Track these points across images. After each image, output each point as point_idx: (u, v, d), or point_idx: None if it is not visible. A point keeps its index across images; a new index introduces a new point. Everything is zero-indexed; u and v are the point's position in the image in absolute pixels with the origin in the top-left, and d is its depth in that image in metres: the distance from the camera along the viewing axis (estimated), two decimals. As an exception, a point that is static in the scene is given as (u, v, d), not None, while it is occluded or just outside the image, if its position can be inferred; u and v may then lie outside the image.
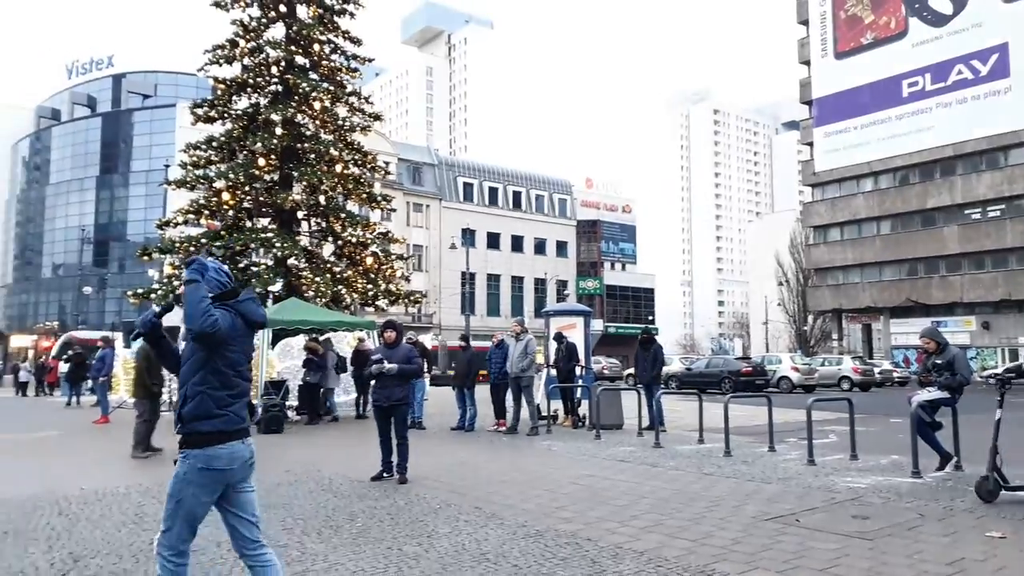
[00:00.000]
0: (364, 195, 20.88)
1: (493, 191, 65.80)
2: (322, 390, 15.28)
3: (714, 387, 26.03)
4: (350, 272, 20.27)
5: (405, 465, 7.95)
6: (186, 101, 52.50)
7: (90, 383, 21.81)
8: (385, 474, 8.04)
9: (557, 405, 13.84)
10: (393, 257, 21.05)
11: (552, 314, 17.30)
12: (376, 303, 20.34)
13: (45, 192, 71.12)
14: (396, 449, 8.03)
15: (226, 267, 3.67)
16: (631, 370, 36.58)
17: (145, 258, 20.33)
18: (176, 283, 18.83)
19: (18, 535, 5.63)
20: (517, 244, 66.36)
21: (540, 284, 66.01)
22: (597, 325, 58.99)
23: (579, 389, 13.79)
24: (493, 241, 64.42)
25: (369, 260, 20.22)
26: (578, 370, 13.77)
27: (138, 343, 19.29)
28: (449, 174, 63.73)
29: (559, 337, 13.81)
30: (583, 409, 13.66)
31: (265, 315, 3.77)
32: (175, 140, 53.95)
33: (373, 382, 8.40)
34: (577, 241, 70.67)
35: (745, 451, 10.00)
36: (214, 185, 18.90)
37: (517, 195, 67.34)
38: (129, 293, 20.04)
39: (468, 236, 51.07)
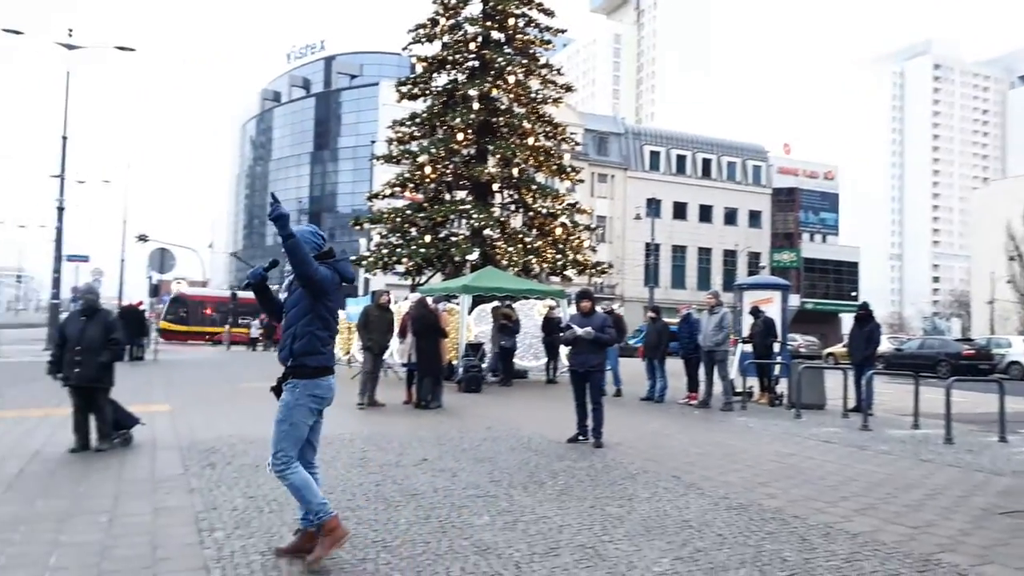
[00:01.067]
0: (554, 167, 21.21)
1: (681, 159, 63.93)
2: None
3: (928, 370, 23.79)
4: (540, 242, 20.75)
5: (600, 430, 8.13)
6: (389, 80, 55.79)
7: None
8: (580, 437, 8.27)
9: (752, 382, 13.39)
10: (580, 228, 21.25)
11: (746, 287, 16.71)
12: (564, 273, 20.70)
13: (268, 168, 79.07)
14: (591, 414, 8.23)
15: (321, 231, 4.25)
16: (831, 348, 34.52)
17: (357, 228, 22.09)
18: (384, 251, 20.34)
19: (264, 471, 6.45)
20: (705, 214, 64.12)
21: (729, 256, 63.50)
22: (793, 300, 55.84)
23: (777, 366, 13.24)
24: (679, 211, 62.73)
25: (558, 231, 20.58)
26: (776, 346, 13.22)
27: (358, 305, 21.01)
28: (635, 143, 62.74)
29: (755, 311, 13.31)
30: (781, 387, 13.11)
31: (354, 274, 4.22)
32: (378, 117, 57.61)
33: (568, 348, 8.62)
34: (772, 210, 66.97)
35: (969, 440, 9.15)
36: (417, 159, 20.04)
37: (707, 163, 64.94)
38: (343, 260, 21.88)
39: (653, 206, 50.17)
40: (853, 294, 65.77)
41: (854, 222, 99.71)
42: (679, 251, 63.12)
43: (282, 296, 4.37)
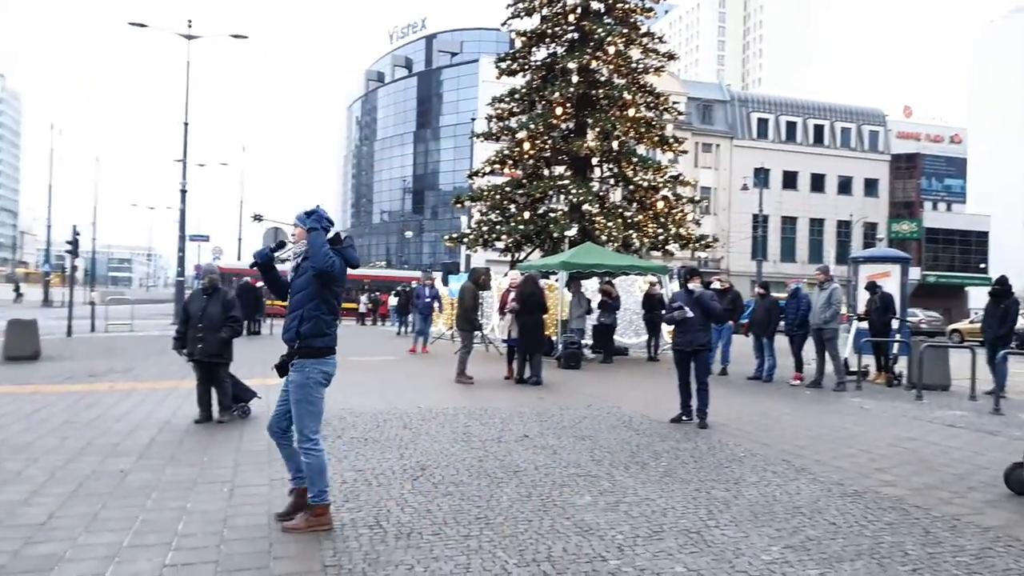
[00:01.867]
0: (656, 138, 20.71)
1: (791, 126, 61.11)
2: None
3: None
4: (640, 216, 20.38)
5: (705, 410, 7.94)
6: (488, 56, 55.95)
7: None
8: (684, 417, 8.11)
9: (868, 361, 12.71)
10: (684, 200, 20.71)
11: (862, 261, 15.91)
12: (666, 247, 20.26)
13: (374, 148, 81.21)
14: (696, 394, 8.04)
15: (327, 215, 4.34)
16: (956, 325, 32.35)
17: (458, 205, 22.37)
18: (484, 228, 20.52)
19: (375, 442, 6.66)
20: (817, 183, 61.18)
21: (843, 227, 60.43)
22: (913, 274, 52.65)
23: (895, 344, 12.50)
24: (789, 180, 60.13)
25: (660, 204, 20.14)
26: (894, 323, 12.49)
27: (459, 282, 21.34)
28: (742, 110, 60.42)
29: (872, 287, 12.59)
30: (900, 366, 12.39)
31: (359, 260, 4.47)
32: (478, 95, 57.99)
33: (673, 327, 8.44)
34: (891, 178, 63.16)
35: (1119, 427, 8.36)
36: (516, 135, 20.03)
37: (819, 129, 61.81)
38: (446, 237, 22.26)
39: (761, 176, 48.27)
40: (982, 266, 61.30)
41: (986, 189, 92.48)
42: (789, 223, 60.63)
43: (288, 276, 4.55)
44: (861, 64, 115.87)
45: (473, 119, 39.12)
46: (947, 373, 11.64)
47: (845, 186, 62.20)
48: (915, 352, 11.34)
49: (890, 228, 61.42)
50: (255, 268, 4.42)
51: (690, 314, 7.97)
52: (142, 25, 28.26)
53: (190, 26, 28.15)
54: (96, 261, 70.96)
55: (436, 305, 17.17)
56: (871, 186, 62.88)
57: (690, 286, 8.21)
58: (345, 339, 21.74)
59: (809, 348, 12.09)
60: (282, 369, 4.28)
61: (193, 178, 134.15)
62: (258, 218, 44.32)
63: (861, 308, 12.97)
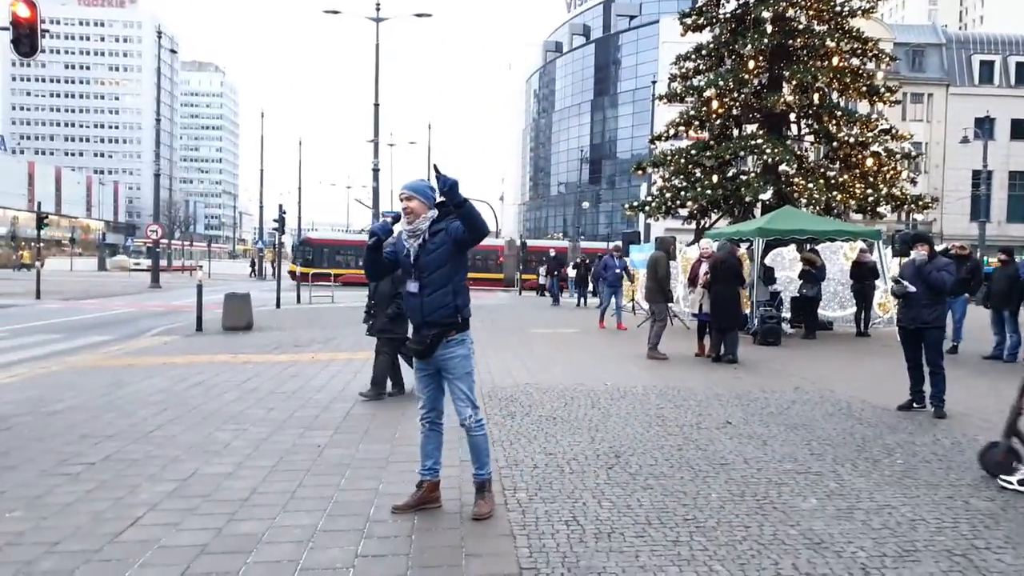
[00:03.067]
0: (863, 88, 18.56)
1: (1021, 67, 53.28)
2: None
3: None
4: (846, 176, 18.42)
5: (942, 397, 6.83)
6: (669, 15, 53.66)
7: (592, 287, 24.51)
8: (915, 404, 7.03)
9: None
10: (898, 157, 18.45)
11: None
12: (876, 210, 18.19)
13: (552, 119, 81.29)
14: (929, 378, 6.93)
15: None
16: None
17: (639, 172, 21.50)
18: (667, 195, 19.56)
19: (564, 422, 6.32)
20: (1055, 131, 53.02)
21: (1089, 181, 52.09)
22: None
23: None
24: (1019, 130, 52.59)
25: (869, 161, 18.04)
26: None
27: (641, 252, 20.53)
28: (961, 53, 53.51)
29: None
30: None
31: None
32: (658, 57, 55.96)
33: (899, 301, 7.33)
34: None
35: None
36: (703, 94, 18.79)
37: (1058, 69, 53.38)
38: (625, 206, 21.53)
39: (986, 126, 42.56)
40: None
41: None
42: (1018, 178, 53.23)
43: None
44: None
45: (654, 81, 37.57)
46: None
47: (1089, 133, 53.40)
48: None
49: None
50: (372, 243, 4.02)
51: (911, 288, 6.87)
52: (335, 12, 29.84)
53: (378, 9, 29.30)
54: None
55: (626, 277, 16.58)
56: (1123, 131, 53.49)
57: (912, 254, 7.05)
58: (524, 310, 21.87)
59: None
60: (430, 351, 4.01)
61: (384, 157, 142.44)
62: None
63: None
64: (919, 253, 7.00)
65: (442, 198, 3.87)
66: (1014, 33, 57.15)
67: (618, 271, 16.16)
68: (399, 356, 7.60)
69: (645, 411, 6.87)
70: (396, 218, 4.08)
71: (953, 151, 49.49)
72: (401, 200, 4.02)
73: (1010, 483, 4.58)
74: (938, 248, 9.16)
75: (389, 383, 7.58)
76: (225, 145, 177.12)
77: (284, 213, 25.01)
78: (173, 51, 78.93)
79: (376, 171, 29.83)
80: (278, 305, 20.24)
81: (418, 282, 3.98)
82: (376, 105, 30.00)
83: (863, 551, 3.54)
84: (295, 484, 4.56)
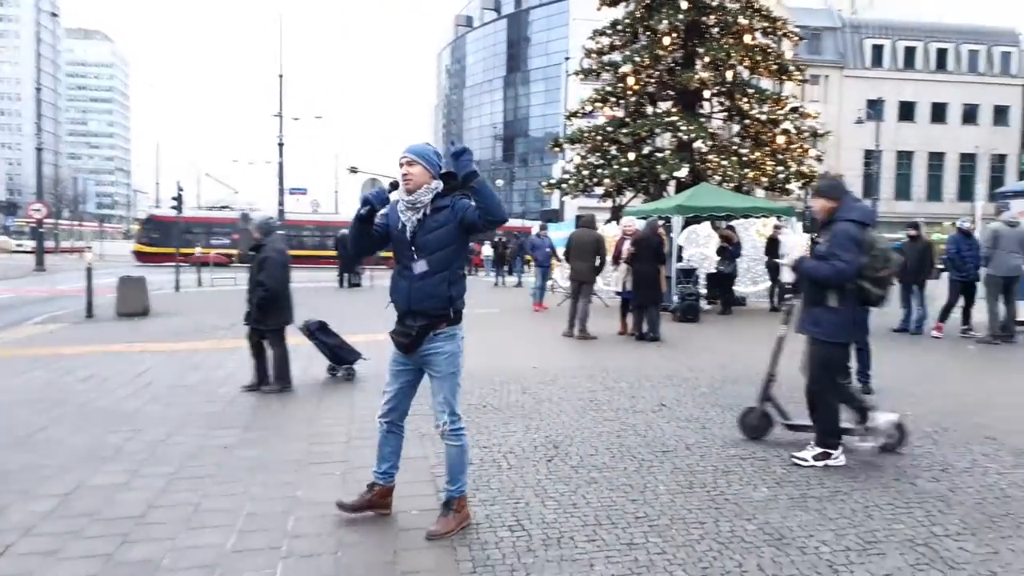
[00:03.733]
0: (774, 67, 18.90)
1: (909, 52, 56.12)
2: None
3: None
4: (757, 153, 18.77)
5: (868, 373, 6.86)
6: (578, -8, 53.59)
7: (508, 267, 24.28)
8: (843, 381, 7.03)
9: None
10: (807, 134, 18.92)
11: (1011, 195, 14.08)
12: (786, 187, 18.63)
13: (463, 95, 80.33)
14: (855, 354, 6.93)
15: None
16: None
17: (556, 149, 21.28)
18: (584, 172, 19.42)
19: (496, 411, 5.97)
20: (938, 113, 56.23)
21: (967, 161, 55.66)
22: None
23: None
24: (906, 112, 55.53)
25: (780, 139, 18.43)
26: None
27: (559, 231, 20.26)
28: (854, 37, 55.88)
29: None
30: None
31: None
32: (568, 34, 55.95)
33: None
34: (1024, 105, 57.39)
35: None
36: (619, 70, 18.68)
37: (941, 53, 56.50)
38: (543, 184, 21.29)
39: (876, 108, 44.71)
40: None
41: None
42: (904, 158, 56.30)
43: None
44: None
45: (567, 58, 37.42)
46: None
47: (970, 115, 56.97)
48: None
49: (1022, 160, 56.11)
50: (366, 214, 3.51)
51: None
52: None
53: (280, -24, 27.82)
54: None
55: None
56: (1001, 114, 57.34)
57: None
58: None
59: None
60: (416, 344, 3.50)
61: (289, 132, 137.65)
62: (353, 170, 44.60)
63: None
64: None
65: (449, 169, 3.36)
66: (902, 19, 60.14)
67: (548, 250, 15.88)
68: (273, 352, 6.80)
69: (578, 395, 6.60)
70: (394, 186, 3.55)
71: (846, 132, 51.68)
72: (401, 165, 3.47)
73: (805, 460, 4.56)
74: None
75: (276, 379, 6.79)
76: (116, 119, 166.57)
77: (182, 190, 23.51)
78: (54, 15, 73.31)
79: (281, 145, 28.56)
80: (177, 288, 19.01)
81: (421, 261, 3.45)
82: (280, 76, 28.63)
83: (826, 545, 3.35)
84: (199, 495, 4.03)
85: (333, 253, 27.00)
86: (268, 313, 6.66)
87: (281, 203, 29.19)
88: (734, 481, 4.24)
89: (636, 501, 3.91)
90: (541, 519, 3.66)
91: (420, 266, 3.46)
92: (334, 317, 8.23)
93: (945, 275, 11.03)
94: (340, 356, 7.29)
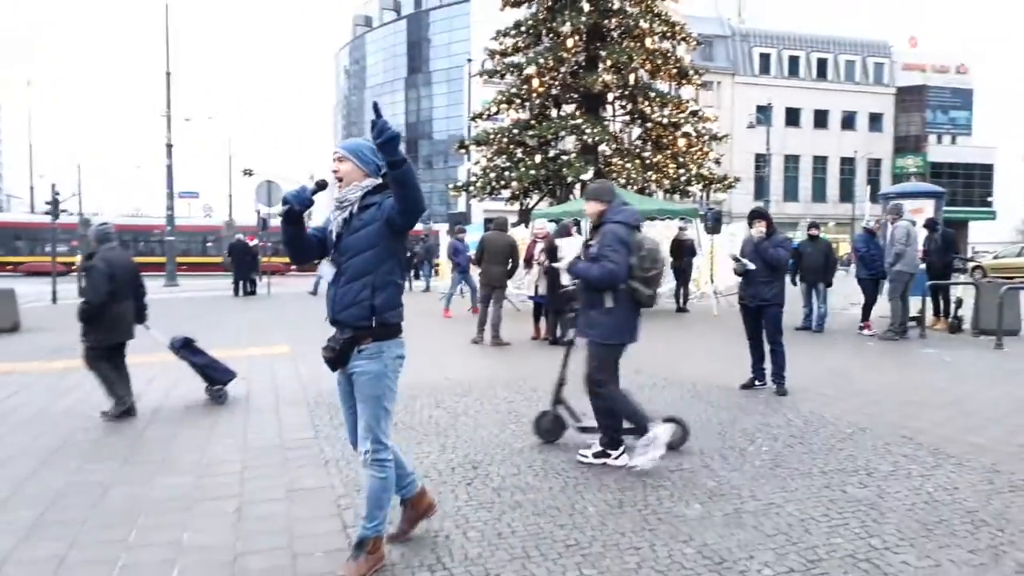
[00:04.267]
0: (673, 70, 19.24)
1: (794, 60, 59.17)
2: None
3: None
4: (659, 156, 19.05)
5: (783, 375, 6.86)
6: (480, -6, 53.35)
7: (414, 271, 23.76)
8: (756, 382, 7.04)
9: (915, 304, 11.61)
10: (707, 137, 19.36)
11: (892, 197, 14.86)
12: (688, 188, 18.99)
13: (363, 96, 78.67)
14: (769, 355, 6.94)
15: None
16: (980, 261, 31.22)
17: (462, 151, 20.96)
18: (491, 175, 19.18)
19: (408, 428, 5.57)
20: (820, 119, 59.60)
21: (847, 164, 59.13)
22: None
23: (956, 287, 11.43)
24: (792, 117, 58.53)
25: (681, 142, 18.77)
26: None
27: (470, 233, 19.91)
28: (743, 45, 58.37)
29: (931, 224, 11.47)
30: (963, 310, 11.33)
31: None
32: (470, 36, 55.78)
33: (740, 280, 7.31)
34: (896, 112, 61.51)
35: None
36: (523, 71, 18.55)
37: (822, 63, 59.87)
38: (450, 186, 20.92)
39: (765, 113, 46.80)
40: (989, 199, 60.14)
41: (989, 121, 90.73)
42: (791, 161, 59.29)
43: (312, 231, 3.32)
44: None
45: (469, 60, 37.14)
46: (1018, 316, 10.58)
47: (849, 121, 60.69)
48: (986, 295, 10.29)
49: (895, 164, 60.13)
50: (285, 217, 3.11)
51: (751, 266, 6.88)
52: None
53: (165, -34, 26.23)
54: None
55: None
56: (876, 120, 61.32)
57: (751, 231, 7.04)
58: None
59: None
60: (341, 359, 3.10)
61: (180, 134, 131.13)
62: (248, 173, 42.79)
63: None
64: (757, 230, 6.97)
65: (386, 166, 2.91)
66: (787, 29, 63.23)
67: (469, 255, 15.43)
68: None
69: (495, 407, 6.28)
70: (320, 186, 3.13)
71: (738, 136, 53.82)
72: (333, 161, 3.13)
73: (586, 457, 4.66)
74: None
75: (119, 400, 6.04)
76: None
77: (58, 195, 21.72)
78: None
79: (169, 147, 26.90)
80: (54, 300, 17.51)
81: (334, 268, 3.10)
82: (168, 74, 26.98)
83: (768, 568, 3.15)
84: (67, 544, 3.46)
85: (219, 260, 25.57)
86: (96, 328, 6.00)
87: (170, 207, 27.43)
88: (664, 497, 4.02)
89: (565, 526, 3.62)
90: (464, 555, 3.31)
91: (335, 270, 3.10)
92: (224, 330, 7.60)
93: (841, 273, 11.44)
94: (210, 376, 6.62)
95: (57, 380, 7.65)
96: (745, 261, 6.95)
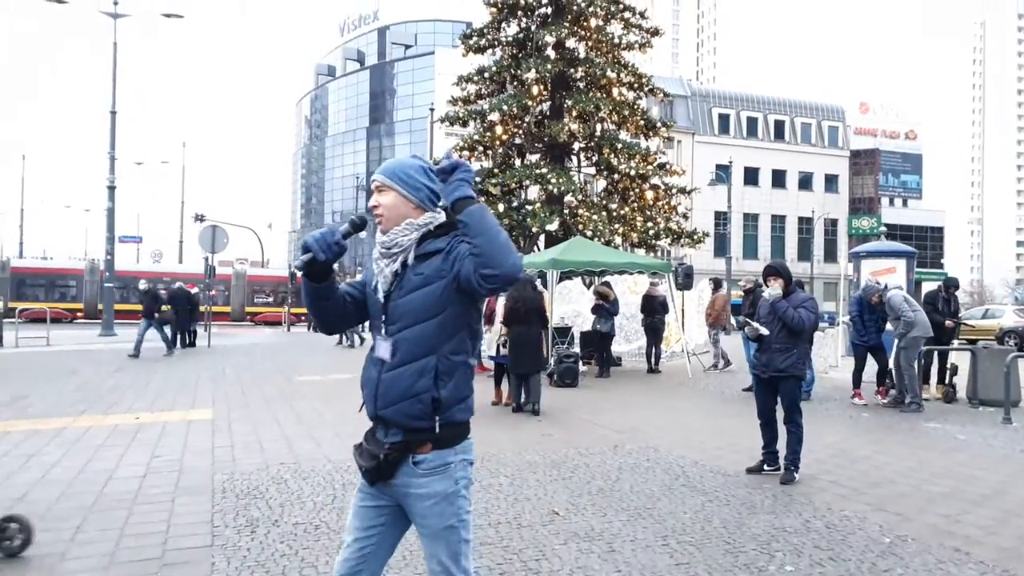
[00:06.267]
0: (640, 122, 18.71)
1: (752, 121, 60.36)
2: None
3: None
4: (626, 209, 18.36)
5: (797, 460, 5.80)
6: (444, 48, 53.51)
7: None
8: (766, 466, 5.97)
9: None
10: (675, 191, 18.75)
11: (864, 256, 14.47)
12: (656, 243, 18.28)
13: (324, 145, 78.00)
14: (787, 436, 5.88)
15: None
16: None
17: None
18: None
19: (332, 532, 4.37)
20: (779, 179, 60.67)
21: (805, 223, 59.95)
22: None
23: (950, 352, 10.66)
24: (751, 177, 59.45)
25: (649, 194, 18.11)
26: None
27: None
28: (703, 105, 59.36)
29: (954, 283, 10.92)
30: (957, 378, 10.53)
31: None
32: (434, 88, 55.69)
33: (755, 346, 6.32)
34: (850, 174, 62.96)
35: None
36: (487, 118, 17.82)
37: (779, 125, 61.19)
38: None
39: (726, 172, 47.23)
40: (942, 261, 61.41)
41: (936, 185, 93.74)
42: (751, 219, 59.93)
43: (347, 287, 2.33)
44: (816, 59, 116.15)
45: (432, 109, 36.63)
46: (1020, 386, 9.80)
47: (806, 182, 61.85)
48: (983, 363, 9.51)
49: (850, 224, 61.12)
50: (307, 270, 2.16)
51: (764, 331, 5.90)
52: (61, 1, 25.18)
53: (116, 3, 25.23)
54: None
55: None
56: (831, 182, 62.63)
57: (766, 293, 6.08)
58: (293, 351, 19.26)
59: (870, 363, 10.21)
60: (387, 472, 2.10)
61: (131, 177, 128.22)
62: (200, 218, 41.32)
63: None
64: (774, 288, 6.01)
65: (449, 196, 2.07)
66: (745, 91, 64.69)
67: None
68: None
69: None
70: (356, 226, 2.20)
71: (698, 193, 54.21)
72: (372, 193, 2.21)
73: None
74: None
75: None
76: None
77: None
78: None
79: (112, 188, 25.43)
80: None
81: (388, 341, 2.13)
82: (113, 113, 25.69)
83: None
84: None
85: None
86: None
87: (109, 252, 25.80)
88: (677, 659, 2.91)
89: None
90: None
91: (384, 348, 2.14)
92: (146, 389, 6.33)
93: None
94: None
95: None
96: (756, 325, 5.98)
